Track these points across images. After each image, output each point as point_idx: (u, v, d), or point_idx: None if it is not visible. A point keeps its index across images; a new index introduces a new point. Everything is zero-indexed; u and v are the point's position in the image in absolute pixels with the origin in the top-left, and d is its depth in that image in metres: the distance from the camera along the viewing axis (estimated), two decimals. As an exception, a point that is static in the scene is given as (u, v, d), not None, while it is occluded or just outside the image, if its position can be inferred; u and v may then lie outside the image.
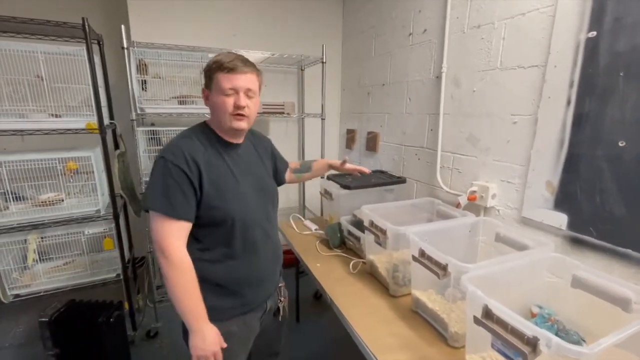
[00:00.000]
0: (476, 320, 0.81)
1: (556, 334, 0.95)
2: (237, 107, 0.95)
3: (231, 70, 0.93)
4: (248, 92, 0.97)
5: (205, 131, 1.02)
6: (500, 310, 0.76)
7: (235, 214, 0.97)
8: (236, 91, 0.95)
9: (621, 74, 0.98)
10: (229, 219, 0.96)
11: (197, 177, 0.92)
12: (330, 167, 1.42)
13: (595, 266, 1.07)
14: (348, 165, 1.40)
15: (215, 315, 0.98)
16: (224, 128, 1.00)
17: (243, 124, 0.98)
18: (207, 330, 0.93)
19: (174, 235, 0.90)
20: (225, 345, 0.97)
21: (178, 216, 0.90)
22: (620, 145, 0.99)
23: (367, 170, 1.45)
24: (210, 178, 0.94)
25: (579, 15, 1.07)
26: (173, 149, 0.93)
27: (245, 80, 0.95)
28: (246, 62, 0.97)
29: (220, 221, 0.96)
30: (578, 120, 1.09)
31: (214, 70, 0.96)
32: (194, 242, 0.98)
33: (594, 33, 1.03)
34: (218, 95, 0.96)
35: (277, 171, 1.27)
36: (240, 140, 1.07)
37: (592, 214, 1.07)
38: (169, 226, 0.90)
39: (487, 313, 0.79)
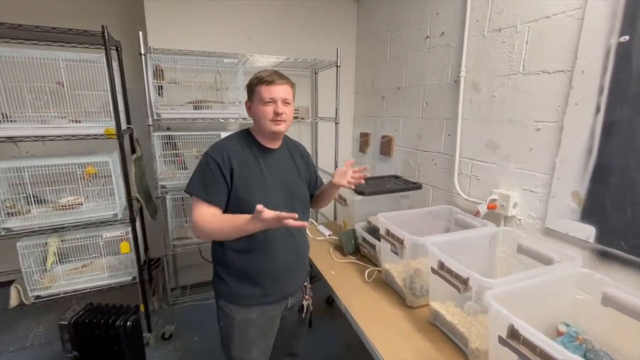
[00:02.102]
0: (501, 340, 0.78)
1: (585, 355, 0.91)
2: (276, 113, 1.08)
3: (270, 83, 1.07)
4: (285, 101, 1.10)
5: (246, 136, 1.17)
6: (528, 331, 0.73)
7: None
8: (274, 100, 1.08)
9: (657, 81, 0.93)
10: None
11: (229, 171, 1.07)
12: (334, 185, 1.23)
13: (625, 282, 1.02)
14: (345, 180, 1.19)
15: (236, 300, 1.13)
16: (265, 132, 1.13)
17: (281, 128, 1.11)
18: (253, 218, 0.94)
19: (204, 216, 1.06)
20: (284, 214, 0.91)
21: (210, 200, 1.06)
22: (656, 155, 0.94)
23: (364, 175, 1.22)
24: (241, 174, 1.08)
25: (610, 18, 1.02)
26: (215, 146, 1.12)
27: (281, 91, 1.09)
28: (282, 76, 1.11)
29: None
30: (608, 129, 1.04)
31: (255, 85, 1.10)
32: None
33: (627, 37, 0.98)
34: (259, 105, 1.10)
35: (310, 180, 1.32)
36: (276, 146, 1.18)
37: (623, 226, 1.02)
38: (202, 208, 1.06)
39: (513, 333, 0.76)
